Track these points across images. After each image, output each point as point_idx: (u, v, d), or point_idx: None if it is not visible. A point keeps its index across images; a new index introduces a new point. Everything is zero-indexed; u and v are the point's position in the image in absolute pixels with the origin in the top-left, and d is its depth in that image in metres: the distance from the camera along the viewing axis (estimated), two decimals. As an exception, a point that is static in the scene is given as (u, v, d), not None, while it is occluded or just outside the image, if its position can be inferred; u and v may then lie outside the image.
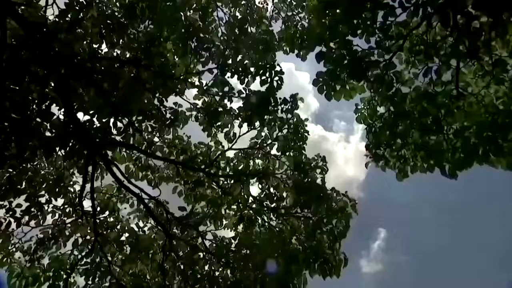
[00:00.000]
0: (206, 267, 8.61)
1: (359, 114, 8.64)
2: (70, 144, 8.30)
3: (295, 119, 9.15)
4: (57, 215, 8.93)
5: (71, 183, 9.15)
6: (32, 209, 8.59)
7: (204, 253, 8.62)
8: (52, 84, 8.23)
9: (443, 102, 7.52)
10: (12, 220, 8.44)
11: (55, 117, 7.86)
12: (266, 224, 8.72)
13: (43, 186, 8.83)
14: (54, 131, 8.05)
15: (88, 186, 8.93)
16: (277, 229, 8.56)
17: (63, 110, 8.11)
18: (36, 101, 8.04)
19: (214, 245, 8.68)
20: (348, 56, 7.94)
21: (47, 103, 8.11)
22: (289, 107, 9.04)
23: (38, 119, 8.06)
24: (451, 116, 7.48)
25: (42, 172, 8.97)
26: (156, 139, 9.65)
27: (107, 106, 8.35)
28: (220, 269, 8.64)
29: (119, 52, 9.07)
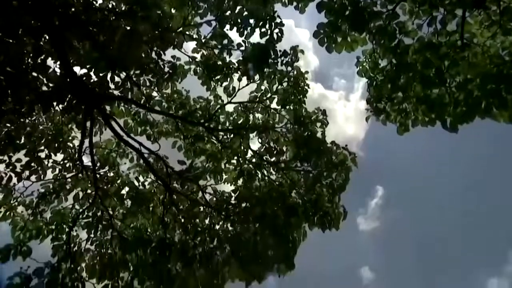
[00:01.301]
0: (207, 221, 8.71)
1: (361, 67, 8.46)
2: (68, 98, 8.20)
3: (295, 72, 8.99)
4: (57, 170, 8.96)
5: (70, 138, 9.13)
6: (32, 164, 8.61)
7: (204, 207, 8.70)
8: (47, 37, 8.05)
9: (447, 53, 7.33)
10: (12, 174, 8.47)
11: (51, 70, 7.72)
12: (266, 178, 8.74)
13: (42, 141, 8.81)
14: (51, 85, 7.94)
15: (87, 141, 8.89)
16: (277, 183, 8.58)
17: (58, 63, 7.96)
18: (31, 54, 7.88)
19: (214, 199, 8.74)
20: (349, 6, 7.69)
21: (42, 57, 7.96)
22: (289, 60, 8.85)
23: (34, 73, 7.94)
24: (455, 66, 7.31)
25: (41, 127, 8.92)
26: (154, 93, 9.54)
27: (103, 60, 8.18)
28: (221, 223, 8.74)
29: (114, 3, 8.79)
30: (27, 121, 8.64)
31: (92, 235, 8.77)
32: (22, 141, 8.53)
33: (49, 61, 8.09)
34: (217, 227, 8.66)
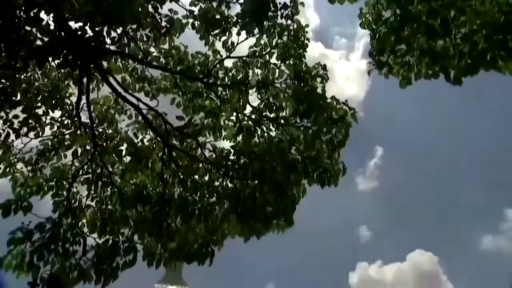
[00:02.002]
0: (206, 178, 8.68)
1: (363, 19, 8.17)
2: (63, 53, 8.03)
3: (295, 26, 8.69)
4: (55, 127, 8.88)
5: (67, 94, 9.00)
6: (30, 121, 8.54)
7: (203, 164, 8.65)
8: (39, -11, 7.80)
9: (453, 1, 7.02)
10: (10, 131, 8.42)
11: (44, 22, 7.51)
12: (266, 134, 8.62)
13: (39, 98, 8.70)
14: (45, 39, 7.76)
15: (84, 98, 8.78)
16: (276, 139, 8.47)
17: (52, 15, 7.74)
18: (23, 7, 7.66)
19: (213, 155, 8.68)
20: (353, -47, 7.36)
21: (35, 10, 7.74)
22: (289, 13, 8.55)
23: (27, 27, 7.74)
24: (462, 16, 7.01)
25: (37, 84, 8.79)
26: (152, 49, 9.31)
27: (99, 14, 7.94)
28: (220, 180, 8.71)
29: (108, -47, 8.45)
30: (22, 77, 8.51)
31: (92, 192, 8.81)
32: (18, 97, 8.42)
33: (42, 15, 7.88)
34: (217, 183, 8.64)
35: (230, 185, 8.44)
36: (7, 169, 8.57)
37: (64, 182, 8.72)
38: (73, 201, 8.72)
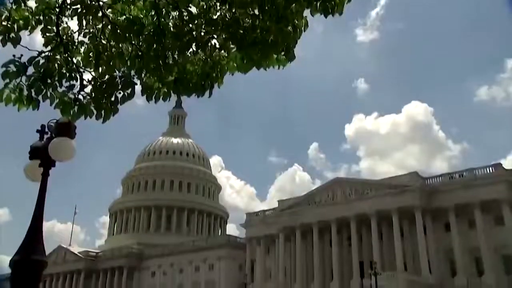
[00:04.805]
0: (204, 7, 8.16)
1: None
2: None
3: None
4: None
5: None
6: None
7: (199, -7, 8.07)
8: None
9: None
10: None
11: None
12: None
13: None
14: None
15: None
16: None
17: None
18: None
19: (209, -17, 8.06)
20: None
21: None
22: None
23: None
24: None
25: None
26: None
27: None
28: (218, 13, 8.21)
29: None
30: None
31: (84, 27, 8.37)
32: None
33: None
34: (214, 17, 8.15)
35: (228, 16, 7.97)
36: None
37: (53, 17, 8.21)
38: (64, 36, 8.33)
